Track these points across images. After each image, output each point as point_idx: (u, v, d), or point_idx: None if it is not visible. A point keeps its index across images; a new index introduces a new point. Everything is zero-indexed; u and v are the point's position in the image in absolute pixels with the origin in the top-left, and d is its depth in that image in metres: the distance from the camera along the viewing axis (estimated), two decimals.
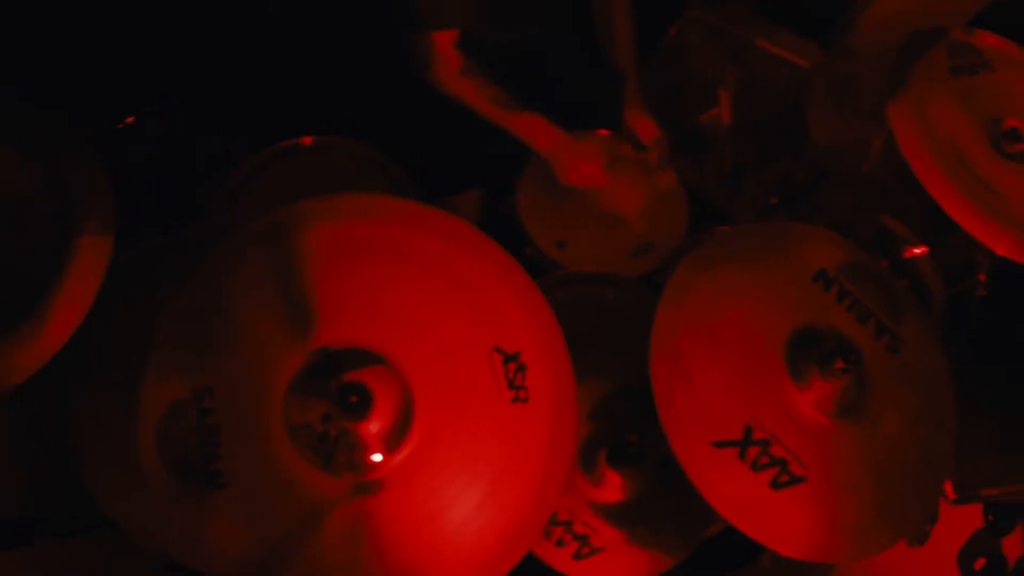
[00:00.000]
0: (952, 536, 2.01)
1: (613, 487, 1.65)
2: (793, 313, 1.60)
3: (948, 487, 1.93)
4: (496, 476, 1.34)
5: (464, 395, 1.38)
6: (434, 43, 2.14)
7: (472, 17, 2.10)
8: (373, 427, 1.30)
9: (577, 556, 1.60)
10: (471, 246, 1.51)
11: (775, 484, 1.44)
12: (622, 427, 1.67)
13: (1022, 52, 2.17)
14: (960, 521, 2.01)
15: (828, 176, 2.33)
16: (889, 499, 1.54)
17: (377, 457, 1.30)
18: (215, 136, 2.37)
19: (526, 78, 2.31)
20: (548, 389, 1.40)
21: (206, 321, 1.34)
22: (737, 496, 1.43)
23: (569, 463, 1.42)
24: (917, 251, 2.13)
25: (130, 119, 2.29)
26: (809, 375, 1.52)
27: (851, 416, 1.55)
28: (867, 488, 1.52)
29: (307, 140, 2.23)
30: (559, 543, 1.59)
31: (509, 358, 1.40)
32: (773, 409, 1.49)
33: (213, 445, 1.26)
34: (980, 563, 2.01)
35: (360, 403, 1.29)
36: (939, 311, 2.06)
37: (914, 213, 2.03)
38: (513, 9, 2.09)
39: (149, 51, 2.46)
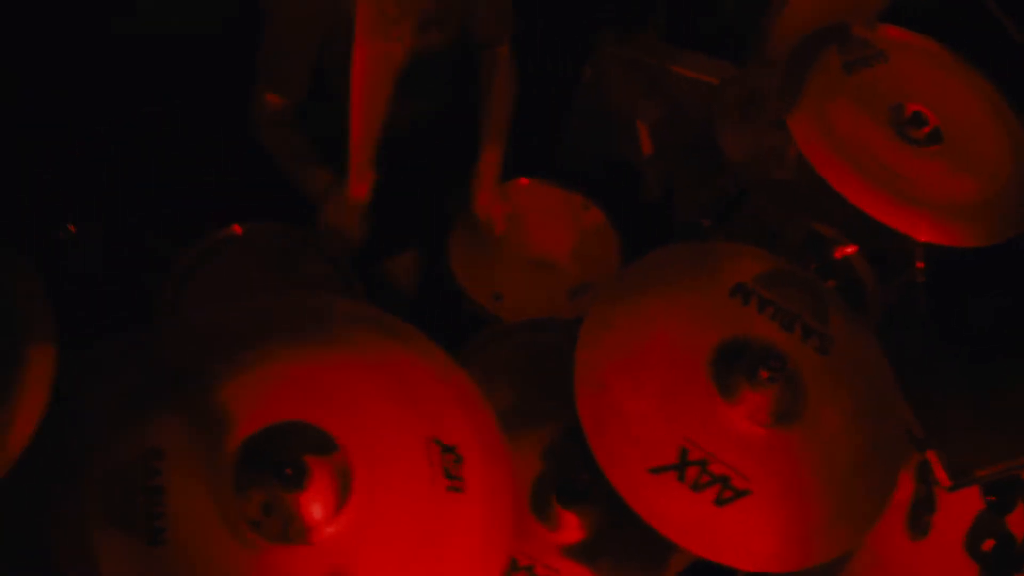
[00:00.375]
0: (956, 523, 1.99)
1: (571, 527, 1.64)
2: (714, 330, 1.62)
3: (942, 475, 1.92)
4: (431, 558, 1.35)
5: (401, 478, 1.40)
6: (261, 95, 2.20)
7: (299, 91, 2.17)
8: (310, 497, 1.32)
9: None
10: (414, 344, 1.56)
11: (719, 501, 1.45)
12: (572, 467, 1.67)
13: (915, 38, 2.19)
14: (960, 506, 2.00)
15: (750, 189, 2.35)
16: (844, 496, 1.53)
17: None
18: (153, 232, 2.39)
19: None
20: (484, 480, 1.42)
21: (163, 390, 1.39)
22: (683, 518, 1.43)
23: (507, 548, 1.44)
24: (848, 250, 2.16)
25: (71, 227, 2.31)
26: (738, 388, 1.54)
27: (788, 422, 1.56)
28: (817, 489, 1.52)
29: (238, 228, 2.24)
30: None
31: (447, 449, 1.43)
32: (706, 427, 1.51)
33: (157, 504, 1.28)
34: (989, 544, 2.00)
35: (296, 475, 1.31)
36: (874, 304, 2.08)
37: (841, 212, 2.03)
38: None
39: (81, 162, 2.51)
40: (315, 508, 1.32)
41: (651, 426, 1.49)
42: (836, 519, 1.52)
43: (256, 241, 2.24)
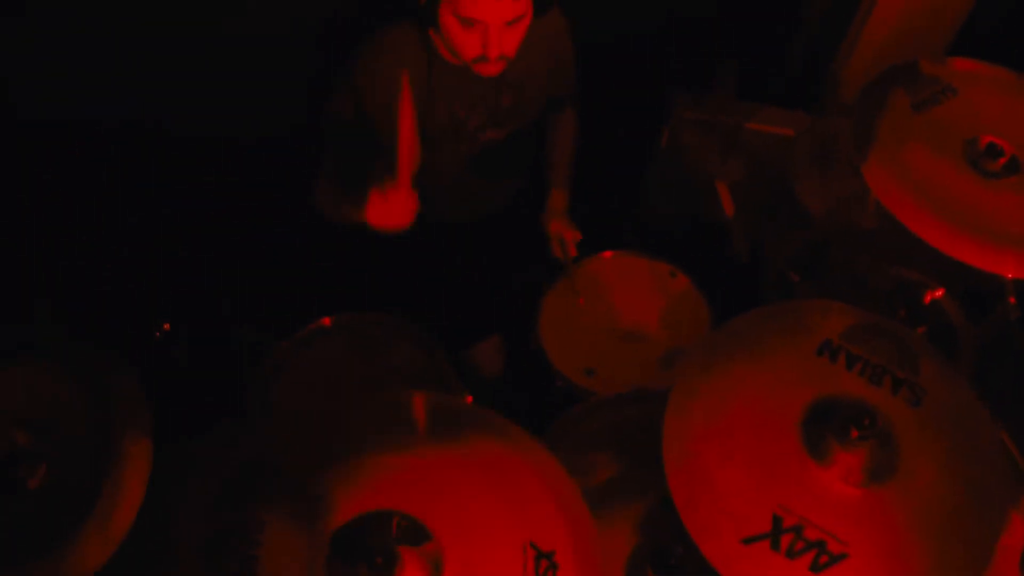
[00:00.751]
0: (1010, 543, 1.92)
1: None
2: (802, 391, 1.59)
3: None
4: None
5: None
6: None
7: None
8: None
9: None
10: (519, 443, 1.60)
11: (815, 567, 1.42)
12: (668, 538, 1.67)
13: (984, 67, 2.16)
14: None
15: (834, 240, 2.34)
16: (946, 549, 1.48)
17: None
18: (246, 326, 2.48)
19: None
20: None
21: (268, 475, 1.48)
22: None
23: None
24: (936, 293, 2.13)
25: (166, 326, 2.42)
26: (829, 450, 1.51)
27: (882, 479, 1.52)
28: (917, 546, 1.47)
29: (327, 320, 2.32)
30: None
31: (543, 555, 1.44)
32: (799, 492, 1.48)
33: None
34: None
35: (386, 563, 1.36)
36: (967, 345, 2.04)
37: (927, 255, 2.00)
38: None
39: (175, 265, 2.64)
40: None
41: (743, 494, 1.47)
42: (939, 573, 1.47)
43: (346, 331, 2.31)
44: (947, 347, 2.10)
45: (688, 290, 2.39)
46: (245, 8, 2.35)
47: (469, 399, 2.18)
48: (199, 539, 1.41)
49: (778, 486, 1.49)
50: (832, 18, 3.07)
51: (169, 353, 2.46)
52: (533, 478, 1.54)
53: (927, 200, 1.89)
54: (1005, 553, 1.66)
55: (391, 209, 2.09)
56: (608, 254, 2.46)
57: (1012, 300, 2.11)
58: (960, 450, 1.59)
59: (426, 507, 1.47)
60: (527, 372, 2.33)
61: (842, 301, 1.78)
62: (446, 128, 2.29)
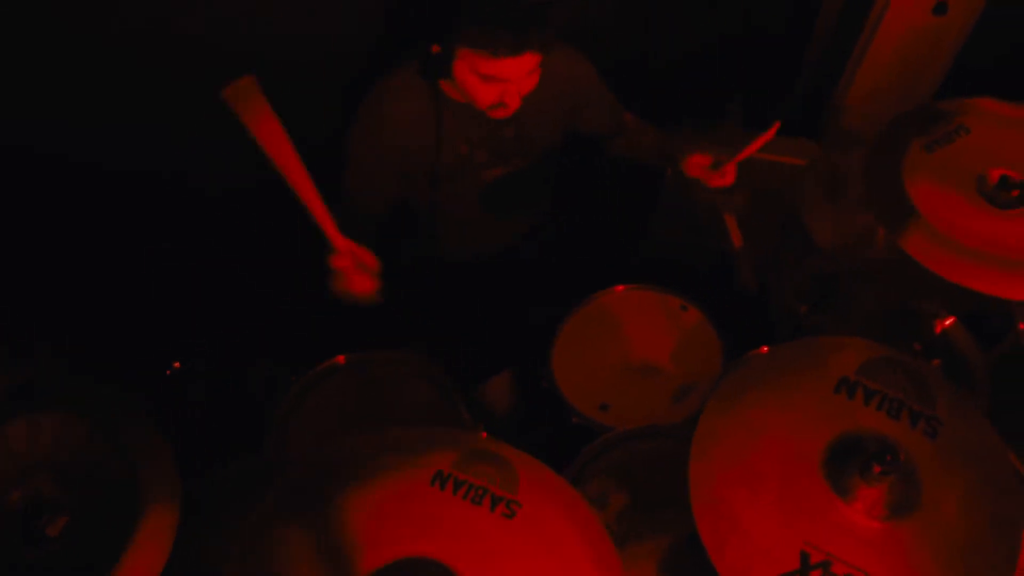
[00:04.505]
0: None
1: None
2: (823, 429, 1.61)
3: None
4: None
5: None
6: None
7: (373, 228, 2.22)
8: None
9: None
10: (546, 483, 1.61)
11: None
12: None
13: (994, 104, 2.18)
14: None
15: (843, 270, 2.36)
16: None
17: None
18: (263, 361, 2.49)
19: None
20: None
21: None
22: None
23: None
24: (946, 322, 2.15)
25: (176, 364, 2.43)
26: (852, 486, 1.53)
27: (906, 512, 1.54)
28: None
29: (342, 358, 2.33)
30: None
31: None
32: (824, 528, 1.50)
33: None
34: None
35: None
36: (981, 373, 2.06)
37: (937, 284, 2.02)
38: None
39: (187, 303, 2.67)
40: None
41: (770, 533, 1.49)
42: None
43: (360, 370, 2.32)
44: (961, 376, 2.12)
45: (700, 323, 2.41)
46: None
47: (484, 435, 2.18)
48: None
49: (804, 523, 1.51)
50: (833, 50, 3.11)
51: (185, 391, 2.47)
52: (561, 519, 1.55)
53: (943, 236, 1.92)
54: None
55: (349, 283, 2.03)
56: (620, 288, 2.48)
57: (1022, 326, 2.13)
58: (978, 480, 1.62)
59: (456, 554, 1.48)
60: (540, 407, 2.34)
61: (851, 332, 1.79)
62: (452, 166, 2.31)
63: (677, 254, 2.98)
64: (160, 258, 2.69)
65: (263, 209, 2.68)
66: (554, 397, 2.27)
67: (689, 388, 2.25)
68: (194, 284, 2.75)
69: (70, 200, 2.49)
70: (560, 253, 2.70)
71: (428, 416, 2.22)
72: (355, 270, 2.00)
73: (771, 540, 1.49)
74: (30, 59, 2.19)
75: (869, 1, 2.88)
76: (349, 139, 2.17)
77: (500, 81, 1.97)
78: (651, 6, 2.98)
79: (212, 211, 2.72)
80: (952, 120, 2.11)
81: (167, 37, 2.26)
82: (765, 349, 1.90)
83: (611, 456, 2.04)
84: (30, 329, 2.47)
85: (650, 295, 2.48)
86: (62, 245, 2.54)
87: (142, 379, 2.47)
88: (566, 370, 2.32)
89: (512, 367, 2.50)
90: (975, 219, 1.96)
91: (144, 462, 1.55)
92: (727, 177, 2.31)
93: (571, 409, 2.22)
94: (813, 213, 2.48)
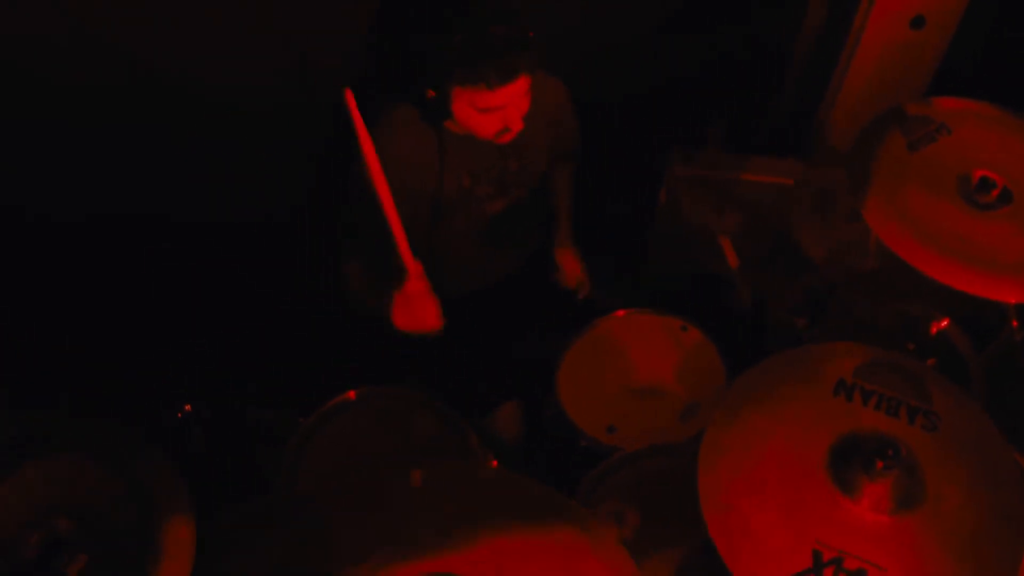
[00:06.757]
0: None
1: None
2: (825, 432, 1.66)
3: None
4: None
5: None
6: (347, 268, 2.39)
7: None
8: None
9: None
10: (563, 511, 1.64)
11: None
12: None
13: (970, 104, 2.24)
14: None
15: (837, 283, 2.41)
16: (979, 566, 1.55)
17: None
18: (265, 407, 2.52)
19: None
20: None
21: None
22: None
23: None
24: (941, 324, 2.19)
25: (187, 406, 2.46)
26: (858, 483, 1.58)
27: (912, 505, 1.58)
28: (950, 567, 1.53)
29: (352, 394, 2.35)
30: None
31: None
32: (834, 527, 1.54)
33: None
34: None
35: None
36: (977, 372, 2.10)
37: (929, 288, 2.05)
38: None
39: (191, 348, 2.73)
40: None
41: (781, 536, 1.53)
42: None
43: (370, 405, 2.34)
44: (958, 376, 2.16)
45: (700, 343, 2.45)
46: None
47: (495, 463, 2.22)
48: None
49: (813, 523, 1.55)
50: (814, 68, 3.17)
51: (190, 434, 2.49)
52: (586, 554, 1.58)
53: (926, 236, 1.97)
54: None
55: (414, 312, 2.16)
56: (621, 313, 2.52)
57: (1015, 323, 2.17)
58: (980, 469, 1.66)
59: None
60: (549, 435, 2.38)
61: (849, 341, 1.84)
62: (455, 200, 2.36)
63: (675, 279, 3.02)
64: (165, 292, 2.77)
65: (265, 250, 2.75)
66: (562, 421, 2.30)
67: (695, 406, 2.28)
68: (199, 319, 2.79)
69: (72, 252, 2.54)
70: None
71: (440, 448, 2.25)
72: (427, 294, 2.11)
73: (783, 542, 1.53)
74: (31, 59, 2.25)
75: (848, 19, 2.95)
76: (354, 176, 2.22)
77: (499, 109, 2.03)
78: (633, 34, 3.04)
79: (218, 243, 2.77)
80: (930, 119, 2.17)
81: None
82: None
83: (620, 476, 2.08)
84: (43, 369, 2.50)
85: (650, 318, 2.52)
86: (69, 294, 2.58)
87: (152, 422, 2.49)
88: (572, 395, 2.36)
89: (518, 396, 2.53)
90: (954, 218, 2.01)
91: (161, 501, 1.57)
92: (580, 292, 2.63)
93: (580, 433, 2.26)
94: (805, 229, 2.53)
